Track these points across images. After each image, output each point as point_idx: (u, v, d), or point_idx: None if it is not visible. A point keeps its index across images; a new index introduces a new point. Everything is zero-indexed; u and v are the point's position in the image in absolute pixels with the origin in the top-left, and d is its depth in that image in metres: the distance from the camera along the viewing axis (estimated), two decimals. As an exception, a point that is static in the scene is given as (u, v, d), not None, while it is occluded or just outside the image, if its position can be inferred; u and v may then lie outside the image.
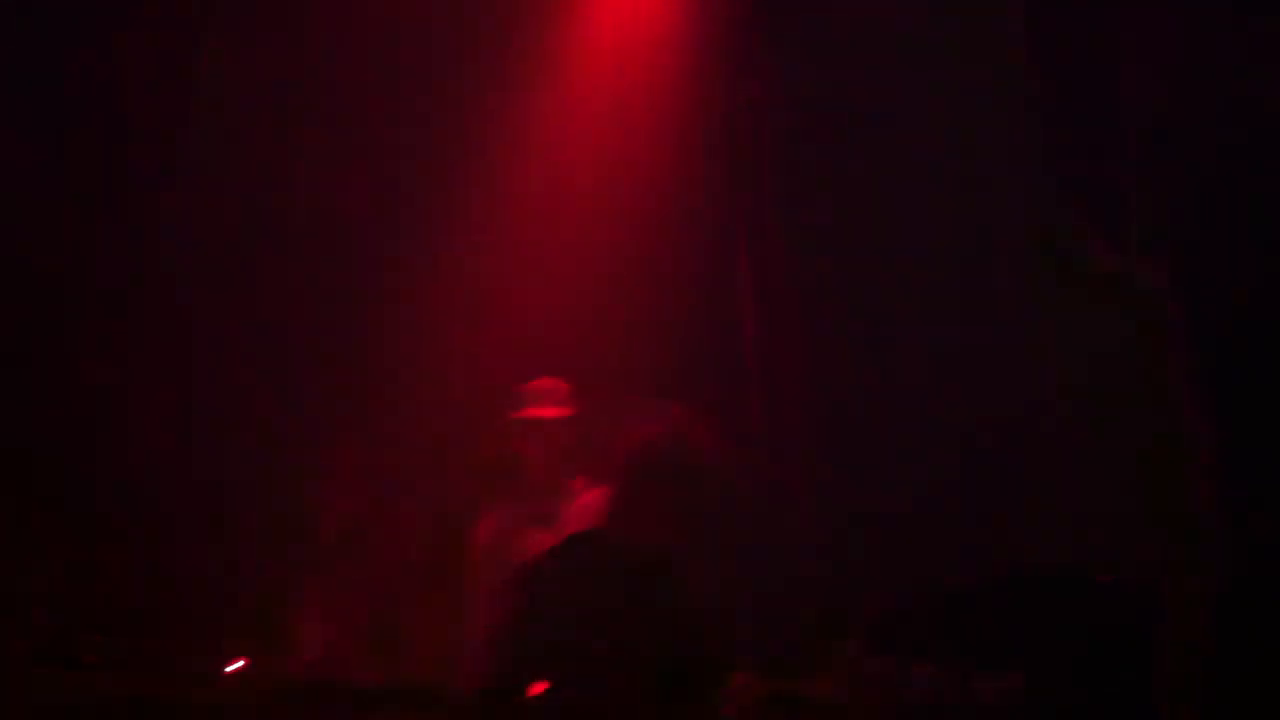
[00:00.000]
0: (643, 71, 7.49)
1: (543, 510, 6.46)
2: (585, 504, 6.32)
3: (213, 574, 6.86)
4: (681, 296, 7.28)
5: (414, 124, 7.42)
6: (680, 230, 7.33)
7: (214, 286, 7.33)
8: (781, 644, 5.38)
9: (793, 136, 7.18)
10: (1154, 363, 6.42)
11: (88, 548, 6.70)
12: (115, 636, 5.91)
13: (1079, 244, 6.78)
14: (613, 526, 5.59)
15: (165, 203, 7.32)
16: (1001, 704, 5.17)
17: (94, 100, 7.25)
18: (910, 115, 6.97)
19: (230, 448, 7.19)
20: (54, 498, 6.83)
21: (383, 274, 7.36)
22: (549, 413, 6.68)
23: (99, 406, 7.10)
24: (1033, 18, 6.95)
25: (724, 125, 7.37)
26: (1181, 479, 6.20)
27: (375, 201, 7.43)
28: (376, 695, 5.29)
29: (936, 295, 6.91)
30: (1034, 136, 6.90)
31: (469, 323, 7.35)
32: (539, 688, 4.94)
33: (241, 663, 5.70)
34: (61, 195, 7.17)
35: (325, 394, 7.32)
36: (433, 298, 7.32)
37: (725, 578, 5.34)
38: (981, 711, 5.15)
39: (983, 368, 6.74)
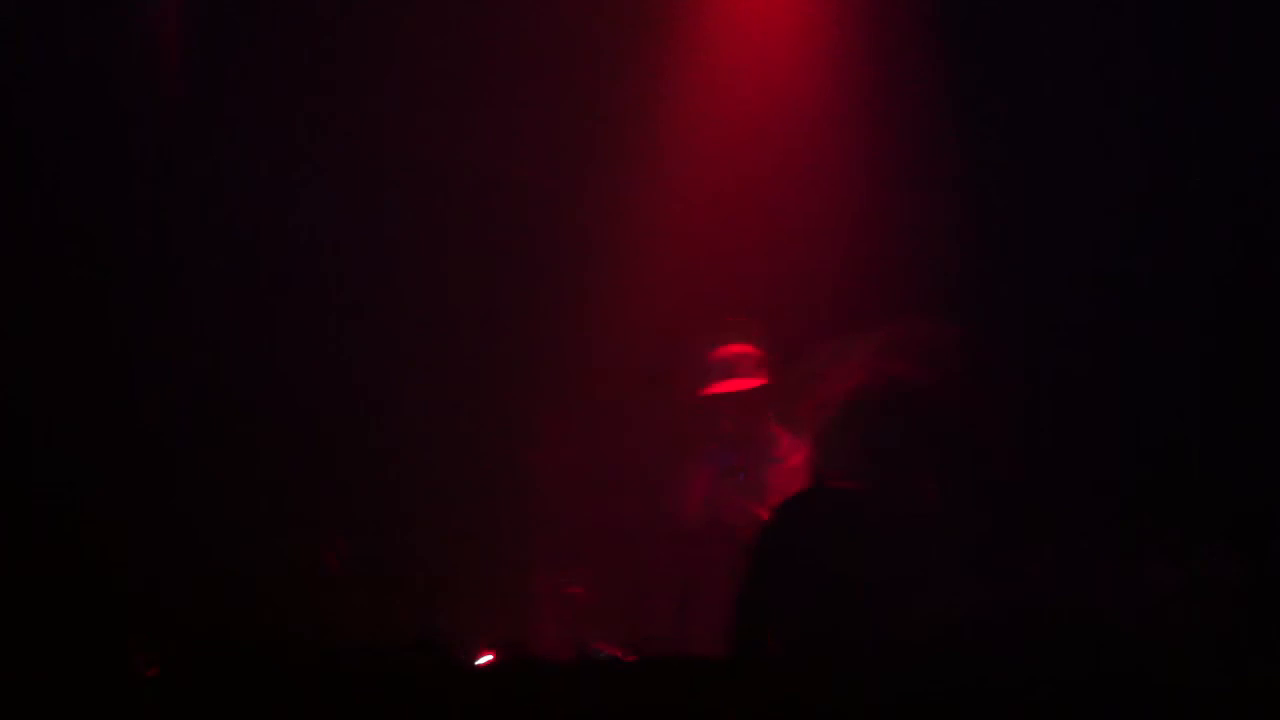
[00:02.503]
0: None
1: (750, 478, 6.43)
2: (796, 465, 6.16)
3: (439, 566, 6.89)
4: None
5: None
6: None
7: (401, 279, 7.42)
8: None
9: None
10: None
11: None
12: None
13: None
14: (818, 472, 5.09)
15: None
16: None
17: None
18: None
19: (441, 439, 7.25)
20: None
21: (567, 254, 7.45)
22: (742, 384, 6.68)
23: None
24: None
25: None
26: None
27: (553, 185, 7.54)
28: (617, 669, 5.29)
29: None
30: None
31: (664, 294, 7.36)
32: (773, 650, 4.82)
33: (490, 656, 5.67)
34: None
35: (529, 378, 7.40)
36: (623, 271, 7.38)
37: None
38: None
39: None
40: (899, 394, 5.05)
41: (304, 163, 7.29)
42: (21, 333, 6.96)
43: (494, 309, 7.47)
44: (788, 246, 7.39)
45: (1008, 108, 7.23)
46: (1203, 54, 7.02)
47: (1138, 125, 7.07)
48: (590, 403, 7.32)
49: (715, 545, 6.26)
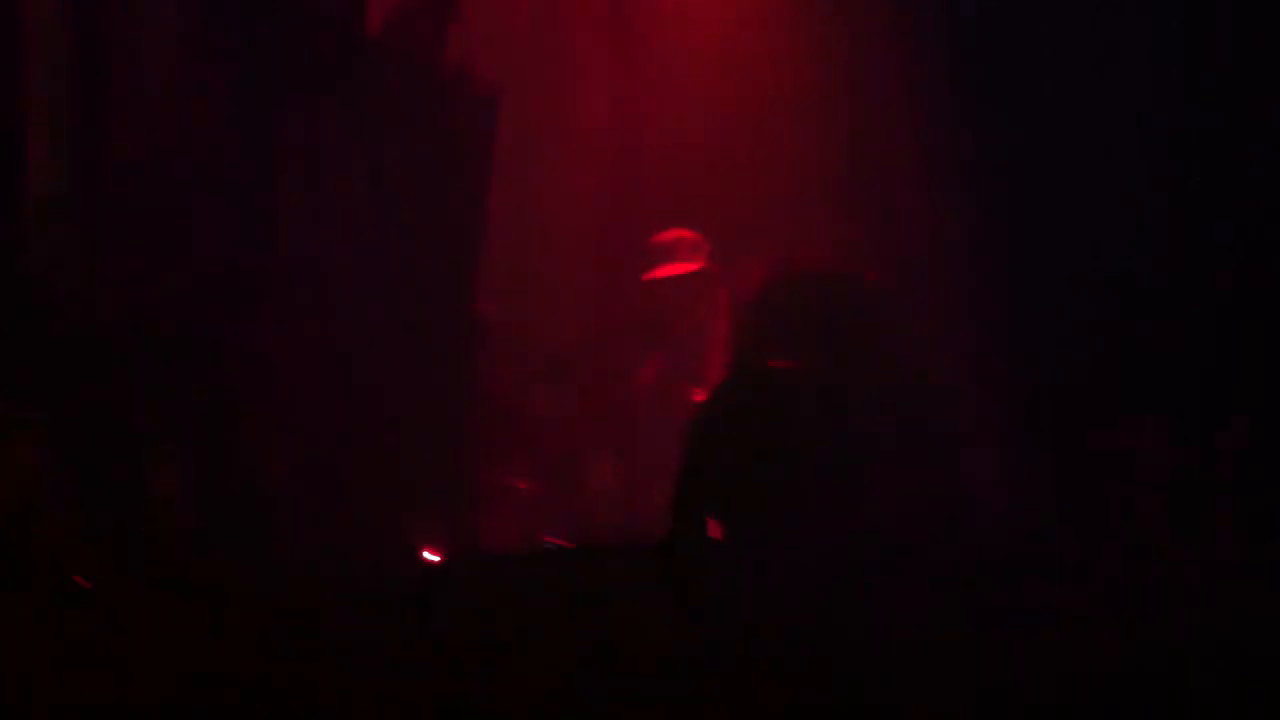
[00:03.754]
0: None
1: (690, 361, 6.41)
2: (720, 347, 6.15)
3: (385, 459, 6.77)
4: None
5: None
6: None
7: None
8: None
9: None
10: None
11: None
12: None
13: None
14: (738, 360, 5.24)
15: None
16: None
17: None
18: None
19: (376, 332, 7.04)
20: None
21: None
22: (680, 268, 6.68)
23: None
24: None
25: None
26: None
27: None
28: (569, 555, 5.32)
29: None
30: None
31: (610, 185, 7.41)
32: (717, 530, 4.86)
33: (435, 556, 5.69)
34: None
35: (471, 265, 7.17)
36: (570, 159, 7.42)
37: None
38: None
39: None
40: (810, 280, 5.13)
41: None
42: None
43: (439, 204, 7.24)
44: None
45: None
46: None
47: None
48: (532, 295, 7.36)
49: (660, 431, 6.25)
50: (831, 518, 4.79)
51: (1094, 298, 6.95)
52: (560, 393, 7.16)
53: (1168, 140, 6.99)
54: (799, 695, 4.01)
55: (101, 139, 6.81)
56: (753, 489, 4.88)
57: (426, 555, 5.80)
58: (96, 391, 6.49)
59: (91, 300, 6.62)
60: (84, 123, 6.85)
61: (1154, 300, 6.93)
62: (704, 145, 7.48)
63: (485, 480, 6.77)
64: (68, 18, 6.73)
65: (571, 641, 4.48)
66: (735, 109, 7.51)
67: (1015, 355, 6.44)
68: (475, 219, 7.06)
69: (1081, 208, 7.04)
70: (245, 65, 6.90)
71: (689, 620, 4.49)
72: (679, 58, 7.64)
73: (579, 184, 7.48)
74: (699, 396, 5.87)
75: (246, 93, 6.88)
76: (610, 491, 6.66)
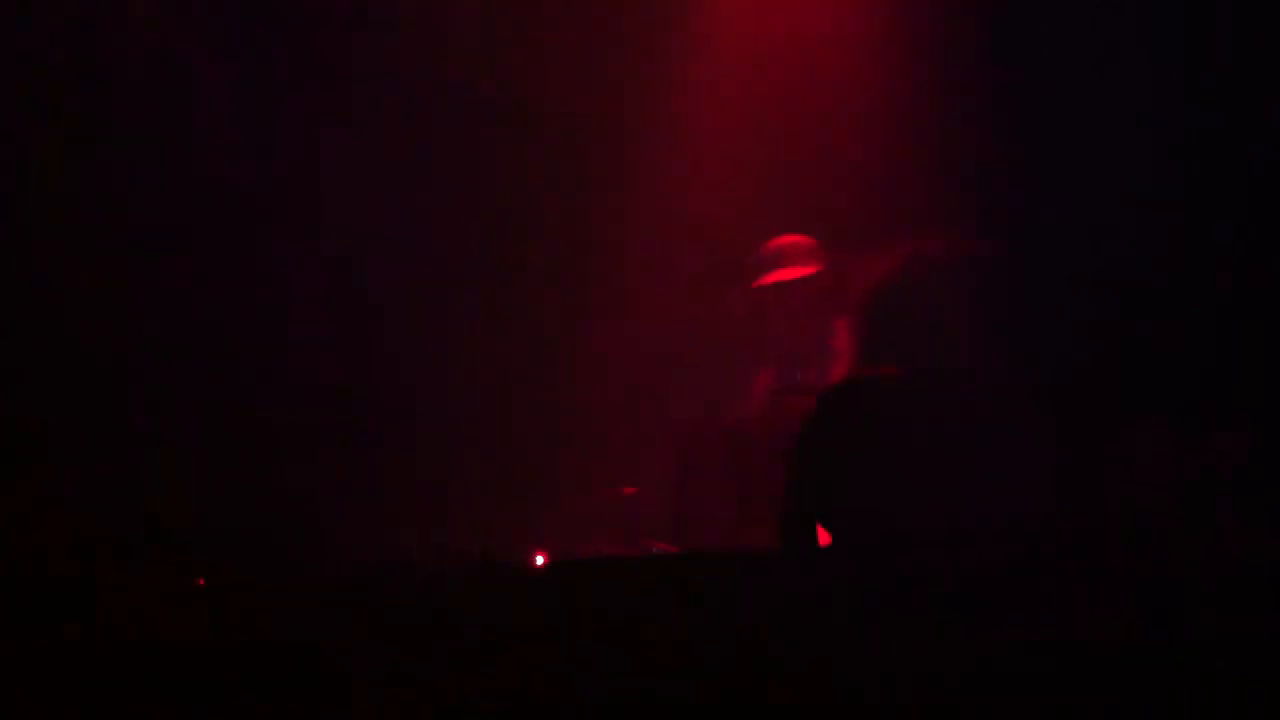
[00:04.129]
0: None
1: (809, 368, 6.20)
2: (845, 352, 5.97)
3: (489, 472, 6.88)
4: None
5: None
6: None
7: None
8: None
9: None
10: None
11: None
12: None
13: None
14: (857, 371, 5.08)
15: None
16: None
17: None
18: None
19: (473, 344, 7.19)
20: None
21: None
22: (792, 273, 6.51)
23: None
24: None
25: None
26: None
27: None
28: (674, 563, 5.17)
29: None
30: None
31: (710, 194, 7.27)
32: (826, 539, 4.75)
33: (541, 558, 5.69)
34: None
35: (571, 278, 7.33)
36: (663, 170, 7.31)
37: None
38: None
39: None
40: (931, 276, 4.94)
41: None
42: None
43: (535, 220, 7.44)
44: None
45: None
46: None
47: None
48: (636, 310, 7.28)
49: (776, 440, 6.04)
50: (943, 522, 4.75)
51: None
52: (664, 404, 7.07)
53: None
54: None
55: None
56: (861, 497, 4.81)
57: (537, 557, 5.77)
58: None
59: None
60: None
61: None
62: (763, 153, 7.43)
63: (596, 488, 6.75)
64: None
65: (663, 644, 4.46)
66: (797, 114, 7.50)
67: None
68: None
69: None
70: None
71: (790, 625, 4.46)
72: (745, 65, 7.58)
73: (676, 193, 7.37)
74: (810, 405, 5.79)
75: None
76: (716, 501, 6.53)
